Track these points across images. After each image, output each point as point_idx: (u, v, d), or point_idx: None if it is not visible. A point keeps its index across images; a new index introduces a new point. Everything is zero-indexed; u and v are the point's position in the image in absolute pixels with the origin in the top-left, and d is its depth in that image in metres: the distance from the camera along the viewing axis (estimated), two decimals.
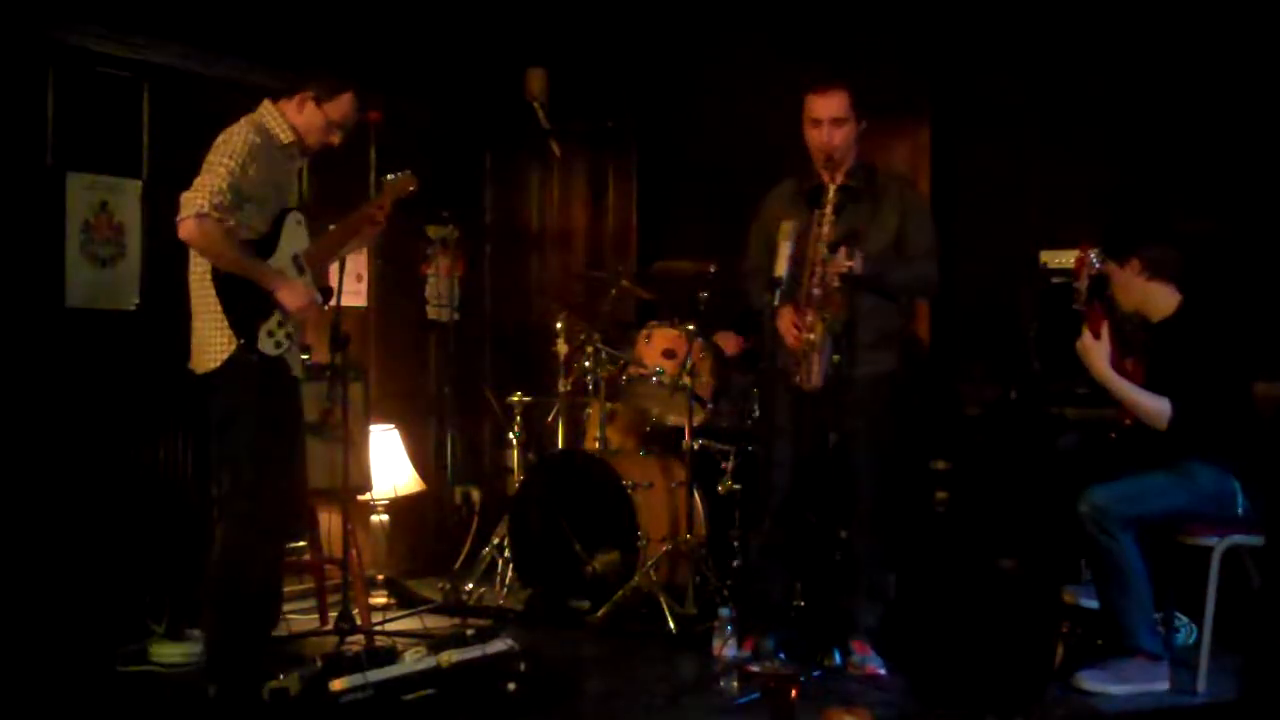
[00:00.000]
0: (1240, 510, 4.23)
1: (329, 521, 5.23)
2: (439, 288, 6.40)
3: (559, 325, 5.86)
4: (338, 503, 5.00)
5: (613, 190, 7.01)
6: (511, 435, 5.88)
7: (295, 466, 4.23)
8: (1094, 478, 4.26)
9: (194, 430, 4.97)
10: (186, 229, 3.90)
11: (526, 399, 5.91)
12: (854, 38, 6.24)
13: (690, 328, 5.29)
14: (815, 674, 4.26)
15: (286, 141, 4.17)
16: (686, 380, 5.22)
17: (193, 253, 4.05)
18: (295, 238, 4.18)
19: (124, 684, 4.40)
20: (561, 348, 5.81)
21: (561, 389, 5.85)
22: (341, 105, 4.22)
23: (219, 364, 4.00)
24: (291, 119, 4.18)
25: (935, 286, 4.62)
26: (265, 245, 4.08)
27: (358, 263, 5.97)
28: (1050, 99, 5.88)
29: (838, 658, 4.38)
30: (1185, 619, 4.64)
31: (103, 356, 4.92)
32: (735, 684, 4.13)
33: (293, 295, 4.07)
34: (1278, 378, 4.68)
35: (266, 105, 4.20)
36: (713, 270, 5.43)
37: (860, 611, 4.44)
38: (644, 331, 5.44)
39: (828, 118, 4.35)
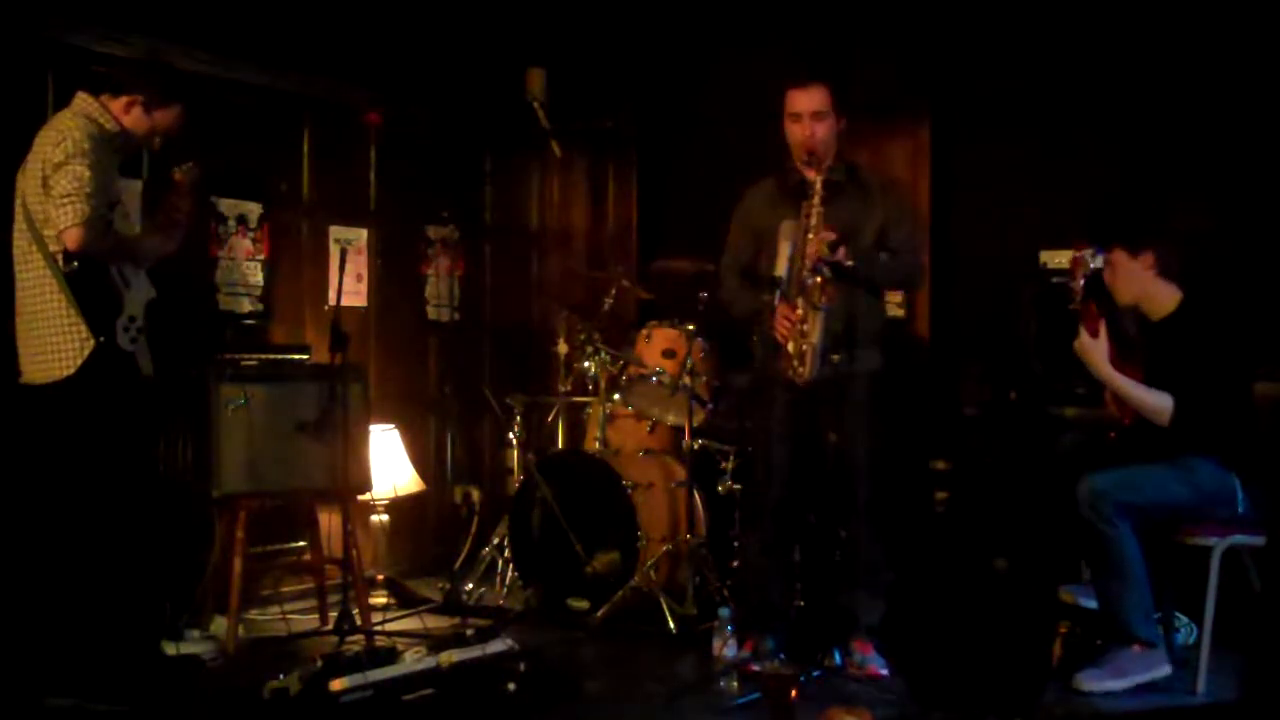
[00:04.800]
0: (1240, 509, 4.23)
1: (329, 521, 5.23)
2: (439, 288, 6.41)
3: (559, 325, 5.86)
4: (338, 503, 5.00)
5: (613, 190, 7.01)
6: (511, 435, 5.88)
7: (153, 465, 4.28)
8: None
9: (194, 430, 4.97)
10: (76, 239, 3.89)
11: (526, 399, 5.91)
12: (854, 38, 6.24)
13: (690, 328, 5.29)
14: (815, 674, 4.25)
15: (114, 131, 4.14)
16: (686, 380, 5.22)
17: (25, 259, 4.04)
18: (124, 230, 4.21)
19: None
20: (561, 348, 5.82)
21: (561, 389, 5.85)
22: (170, 115, 4.22)
23: (74, 369, 3.97)
24: (118, 117, 4.16)
25: (921, 279, 4.78)
26: None
27: (358, 263, 5.98)
28: (1050, 99, 5.88)
29: (838, 658, 4.38)
30: (1185, 619, 4.64)
31: None
32: (735, 684, 4.13)
33: (158, 244, 4.23)
34: (1278, 377, 4.68)
35: (86, 98, 4.14)
36: (713, 270, 5.42)
37: (861, 610, 4.44)
38: (644, 331, 5.44)
39: (808, 111, 4.36)
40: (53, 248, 3.99)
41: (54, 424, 4.07)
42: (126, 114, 4.16)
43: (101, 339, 3.98)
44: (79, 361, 3.98)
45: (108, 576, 4.05)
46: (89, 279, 3.98)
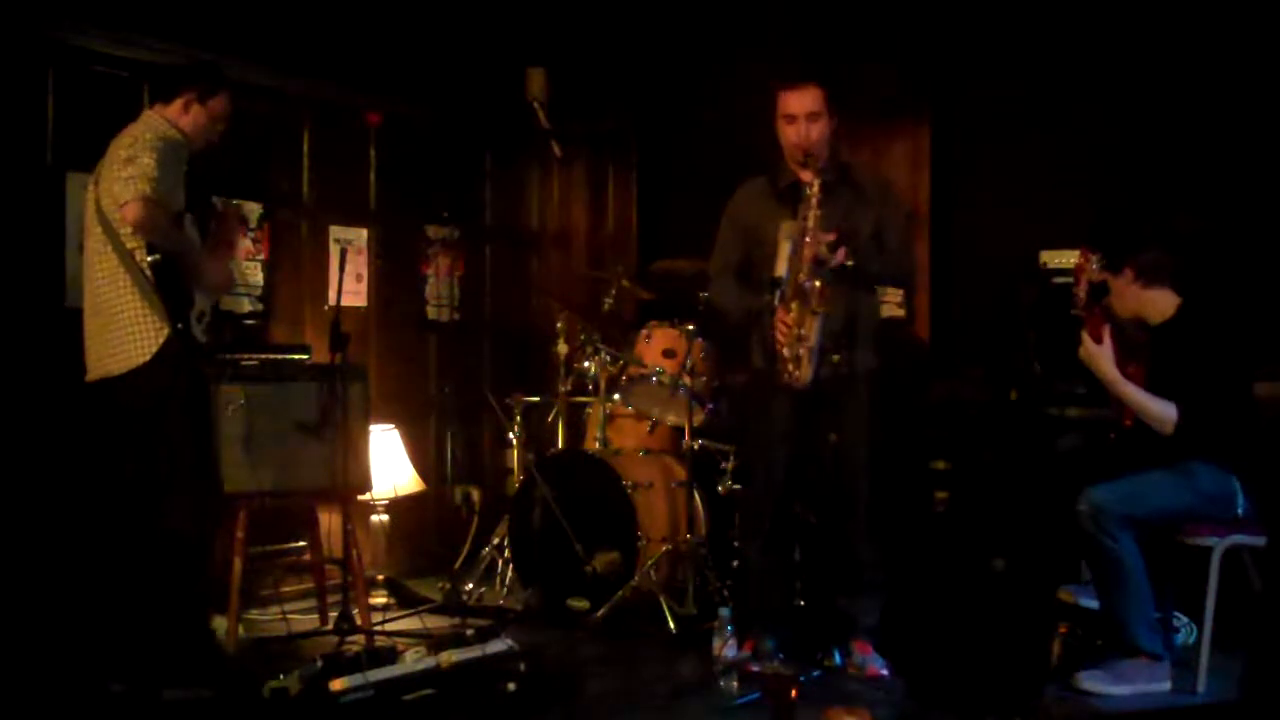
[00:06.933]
0: (1240, 510, 4.23)
1: (329, 521, 5.23)
2: (439, 288, 6.41)
3: (559, 325, 5.86)
4: (338, 503, 5.00)
5: (613, 190, 7.01)
6: (511, 435, 5.88)
7: (210, 459, 4.44)
8: (1094, 478, 4.26)
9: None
10: (134, 212, 4.01)
11: (526, 399, 5.91)
12: (854, 38, 6.25)
13: (690, 328, 5.29)
14: (815, 674, 4.26)
15: (180, 140, 4.28)
16: (686, 380, 5.22)
17: (98, 258, 4.17)
18: (191, 238, 4.33)
19: None
20: (561, 348, 5.81)
21: (561, 389, 5.85)
22: (223, 101, 4.39)
23: (148, 357, 4.11)
24: (177, 121, 4.30)
25: (915, 277, 4.90)
26: None
27: (358, 263, 5.98)
28: (1050, 100, 5.88)
29: (838, 658, 4.38)
30: (1185, 619, 4.64)
31: None
32: (735, 684, 4.13)
33: (217, 270, 4.37)
34: (1278, 378, 4.68)
35: (150, 113, 4.32)
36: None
37: (861, 611, 4.44)
38: (644, 331, 5.44)
39: (803, 113, 4.33)
40: (129, 245, 4.12)
41: (126, 410, 4.19)
42: (186, 114, 4.31)
43: (180, 325, 4.13)
44: (154, 349, 4.12)
45: (166, 562, 4.18)
46: (168, 272, 4.13)
